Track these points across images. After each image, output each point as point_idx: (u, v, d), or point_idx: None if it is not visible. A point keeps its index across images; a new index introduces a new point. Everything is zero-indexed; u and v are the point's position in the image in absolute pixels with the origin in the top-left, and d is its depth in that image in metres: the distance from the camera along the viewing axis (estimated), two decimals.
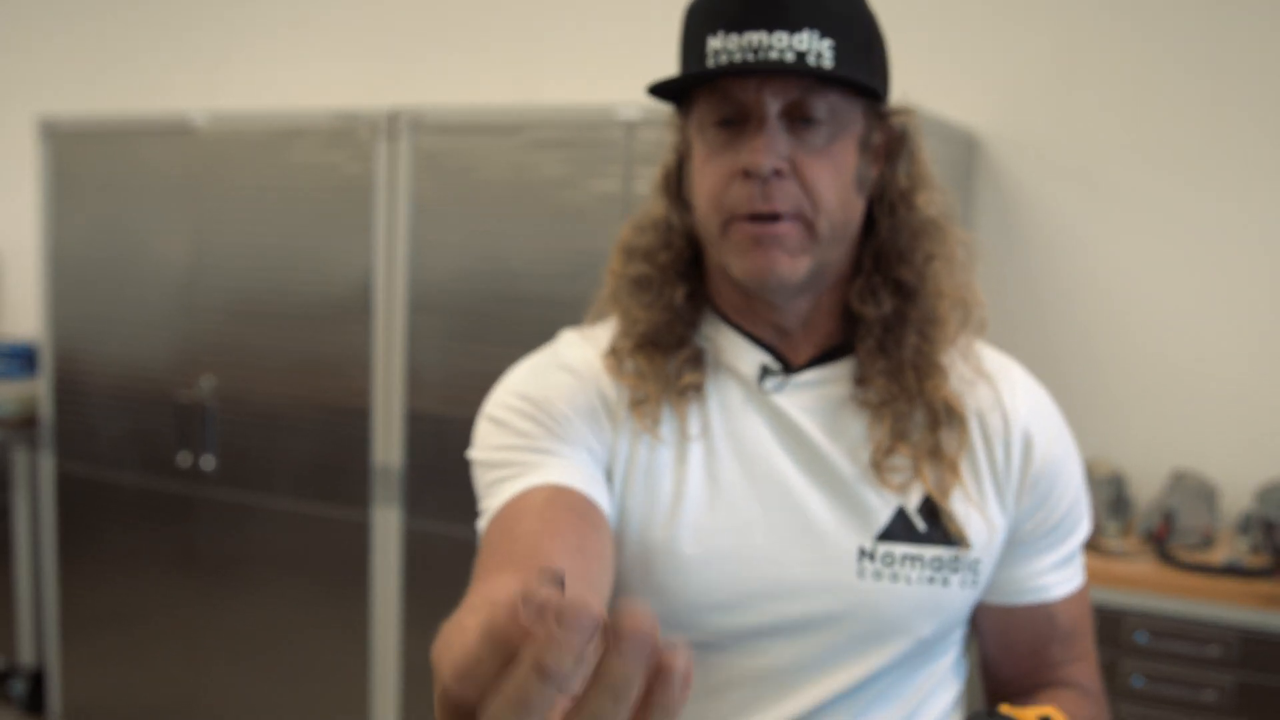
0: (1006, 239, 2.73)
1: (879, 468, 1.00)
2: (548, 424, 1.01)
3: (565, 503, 0.94)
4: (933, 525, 1.00)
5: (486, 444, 1.04)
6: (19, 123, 3.68)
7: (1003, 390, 1.05)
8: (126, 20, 3.77)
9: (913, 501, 1.01)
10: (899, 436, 1.00)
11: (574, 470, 0.98)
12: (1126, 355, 2.65)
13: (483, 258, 2.53)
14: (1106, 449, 2.60)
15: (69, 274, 3.07)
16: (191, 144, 2.86)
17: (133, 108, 3.55)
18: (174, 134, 2.88)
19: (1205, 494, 2.38)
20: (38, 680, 3.32)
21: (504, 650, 0.45)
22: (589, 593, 0.86)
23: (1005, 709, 0.65)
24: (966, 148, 2.68)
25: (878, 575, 0.99)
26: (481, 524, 1.00)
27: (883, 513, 1.01)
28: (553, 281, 2.43)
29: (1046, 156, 2.69)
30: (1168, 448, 2.59)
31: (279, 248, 2.76)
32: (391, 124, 2.59)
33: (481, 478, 1.03)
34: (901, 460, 1.01)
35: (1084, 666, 1.04)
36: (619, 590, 1.04)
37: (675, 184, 1.08)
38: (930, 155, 1.07)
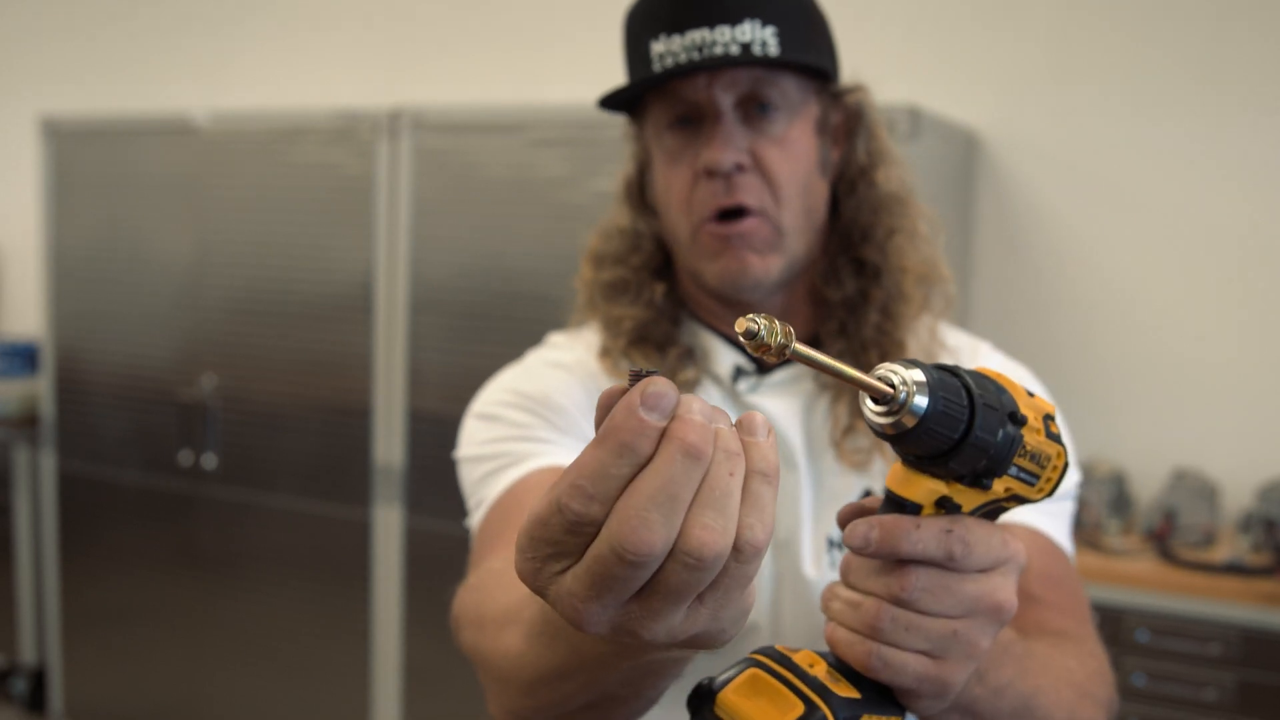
0: (1007, 237, 2.73)
1: (839, 447, 1.00)
2: (544, 414, 1.00)
3: None
4: None
5: (476, 439, 1.02)
6: (21, 121, 3.68)
7: (964, 363, 1.04)
8: (128, 19, 3.77)
9: (879, 482, 1.00)
10: (859, 415, 0.99)
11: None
12: (1127, 353, 2.65)
13: (484, 256, 2.53)
14: (1107, 447, 2.60)
15: (70, 273, 3.07)
16: (193, 143, 2.86)
17: (134, 107, 3.55)
18: (175, 133, 2.88)
19: (1206, 492, 2.38)
20: (39, 679, 3.32)
21: (632, 451, 0.44)
22: None
23: (781, 648, 0.63)
24: (967, 146, 2.68)
25: None
26: (477, 516, 0.99)
27: (849, 498, 1.00)
28: (554, 280, 2.42)
29: (1047, 155, 2.69)
30: (1169, 446, 2.59)
31: (280, 247, 2.76)
32: (393, 123, 2.59)
33: (472, 473, 1.01)
34: (864, 439, 1.00)
35: (1068, 618, 0.95)
36: None
37: (637, 192, 1.08)
38: (885, 129, 1.06)
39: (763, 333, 0.48)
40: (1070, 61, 2.66)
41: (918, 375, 0.54)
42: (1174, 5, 2.57)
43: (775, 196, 0.96)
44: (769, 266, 0.98)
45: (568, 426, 1.00)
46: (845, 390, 1.01)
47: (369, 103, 2.77)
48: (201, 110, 2.87)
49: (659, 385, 0.45)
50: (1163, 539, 2.30)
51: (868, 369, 0.98)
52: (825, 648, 0.65)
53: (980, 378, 0.58)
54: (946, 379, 0.56)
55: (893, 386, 0.54)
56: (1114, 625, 2.18)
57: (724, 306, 1.04)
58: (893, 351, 1.01)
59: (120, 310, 3.01)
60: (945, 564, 0.59)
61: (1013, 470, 0.59)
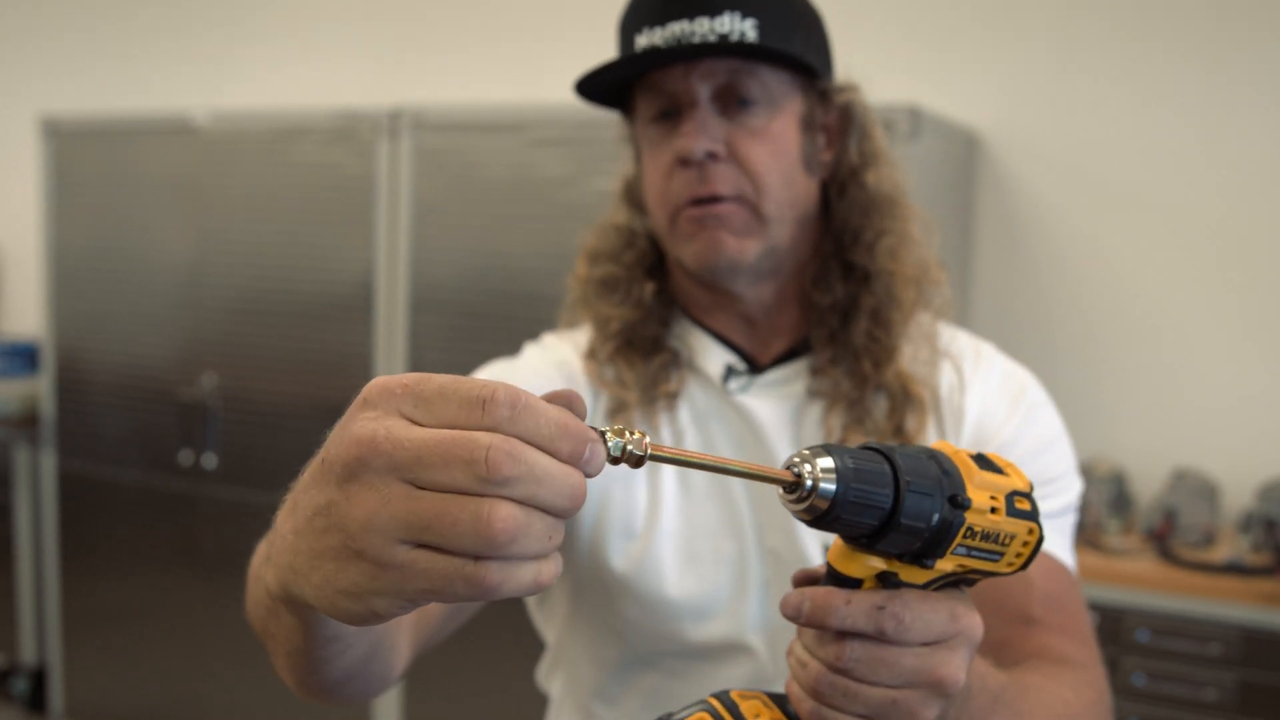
0: (1007, 237, 2.73)
1: None
2: None
3: None
4: None
5: None
6: (21, 121, 3.68)
7: (965, 369, 1.03)
8: (129, 19, 3.77)
9: None
10: (854, 424, 0.98)
11: None
12: (1128, 353, 2.65)
13: (484, 256, 2.54)
14: (1108, 447, 2.60)
15: (71, 272, 3.07)
16: (193, 143, 2.86)
17: (134, 106, 3.55)
18: (176, 133, 2.88)
19: (1206, 492, 2.38)
20: (39, 678, 3.32)
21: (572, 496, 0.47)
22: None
23: (734, 694, 0.65)
24: (967, 146, 2.68)
25: None
26: None
27: None
28: (554, 280, 2.41)
29: (1047, 154, 2.69)
30: (1169, 446, 2.59)
31: (281, 246, 2.76)
32: (393, 122, 2.59)
33: None
34: None
35: (1071, 642, 0.94)
36: (603, 601, 1.03)
37: (634, 192, 1.09)
38: (887, 130, 1.05)
39: (611, 446, 0.48)
40: (1071, 61, 2.66)
41: (826, 463, 0.55)
42: (1176, 4, 2.57)
43: (755, 185, 0.96)
44: (745, 248, 0.97)
45: None
46: (839, 398, 1.00)
47: (369, 103, 2.77)
48: (201, 110, 2.87)
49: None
50: (1163, 539, 2.30)
51: (859, 376, 0.99)
52: None
53: (921, 460, 0.58)
54: (866, 466, 0.56)
55: (798, 476, 0.55)
56: (1114, 625, 2.18)
57: (712, 296, 1.04)
58: (885, 358, 0.99)
59: (120, 310, 3.01)
60: (879, 638, 0.60)
61: (960, 550, 0.59)
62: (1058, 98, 2.67)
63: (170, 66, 3.69)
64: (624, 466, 0.50)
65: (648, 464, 1.03)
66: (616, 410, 1.02)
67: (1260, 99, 2.52)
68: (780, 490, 0.56)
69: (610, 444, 0.49)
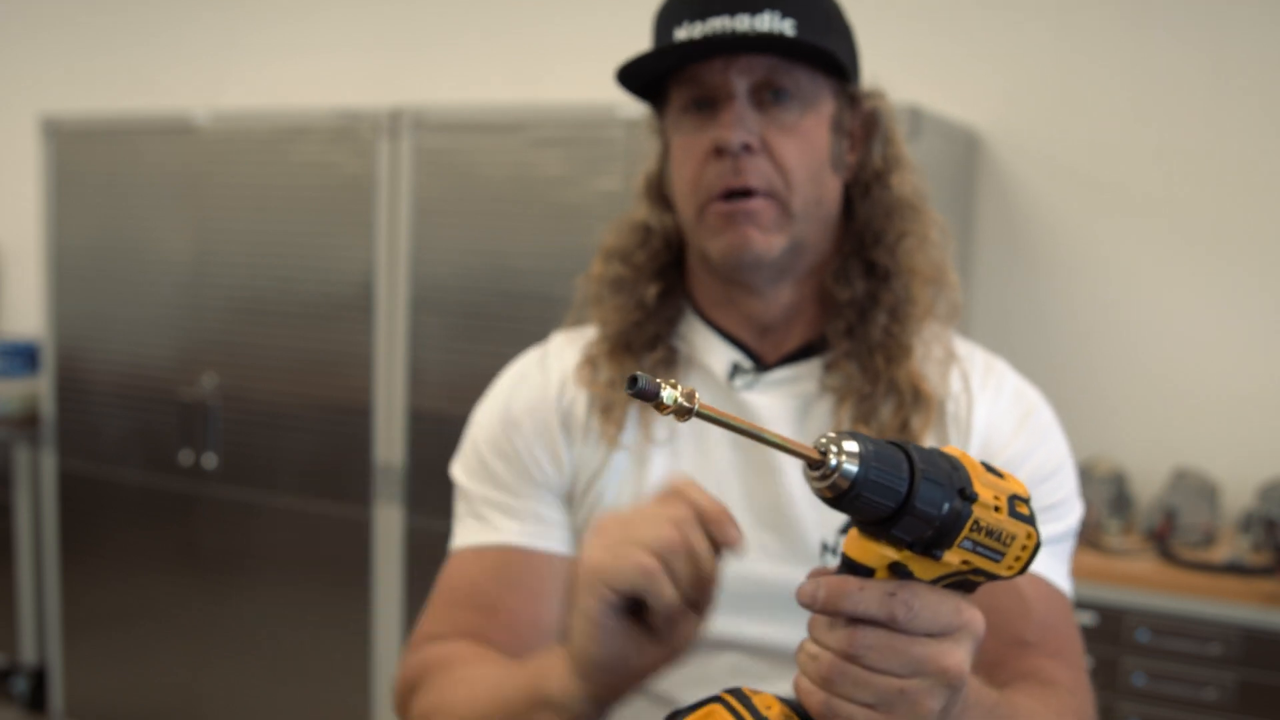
0: (1008, 237, 2.73)
1: None
2: (515, 466, 1.05)
3: (511, 575, 1.03)
4: None
5: (464, 467, 1.09)
6: (21, 121, 3.68)
7: (974, 380, 1.04)
8: (129, 19, 3.77)
9: None
10: (861, 421, 1.00)
11: (529, 527, 1.03)
12: (1128, 353, 2.65)
13: (484, 256, 2.54)
14: (1108, 447, 2.60)
15: (71, 272, 3.08)
16: (193, 142, 2.86)
17: (135, 106, 3.55)
18: (176, 132, 2.88)
19: (1207, 492, 2.38)
20: (40, 678, 3.32)
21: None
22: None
23: (746, 690, 0.69)
24: (968, 146, 2.68)
25: None
26: (452, 545, 1.07)
27: None
28: (554, 280, 2.42)
29: (1048, 154, 2.69)
30: (1169, 445, 2.59)
31: (281, 246, 2.76)
32: (393, 122, 2.59)
33: (457, 500, 1.09)
34: None
35: (1062, 666, 0.96)
36: None
37: (657, 187, 1.09)
38: (901, 135, 1.08)
39: (665, 396, 0.54)
40: (1072, 61, 2.66)
41: (851, 446, 0.59)
42: (1177, 5, 2.57)
43: (785, 180, 0.98)
44: (771, 244, 0.98)
45: (534, 478, 1.05)
46: (850, 392, 1.01)
47: (369, 102, 2.77)
48: (202, 109, 2.87)
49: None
50: (1163, 539, 2.30)
51: (872, 373, 0.99)
52: None
53: (934, 455, 0.62)
54: (886, 451, 0.60)
55: (823, 453, 0.59)
56: (1114, 625, 2.18)
57: (730, 296, 1.04)
58: (899, 355, 1.01)
59: (121, 310, 3.01)
60: (890, 625, 0.62)
61: (966, 544, 0.62)
62: (1058, 98, 2.67)
63: (170, 66, 3.69)
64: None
65: (636, 454, 1.04)
66: (606, 409, 1.03)
67: (1261, 99, 2.52)
68: (805, 466, 0.59)
69: (664, 395, 0.54)
